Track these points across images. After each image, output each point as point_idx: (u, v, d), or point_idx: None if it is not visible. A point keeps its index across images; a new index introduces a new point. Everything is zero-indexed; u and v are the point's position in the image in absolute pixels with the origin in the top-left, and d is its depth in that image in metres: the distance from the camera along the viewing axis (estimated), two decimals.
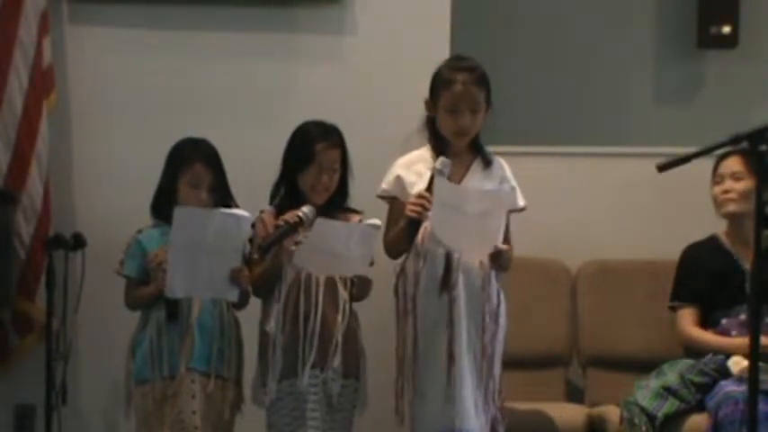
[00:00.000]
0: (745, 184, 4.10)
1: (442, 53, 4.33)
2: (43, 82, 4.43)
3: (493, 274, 3.79)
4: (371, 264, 3.83)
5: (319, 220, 3.66)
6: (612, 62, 5.11)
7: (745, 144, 3.06)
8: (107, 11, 4.57)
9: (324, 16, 4.58)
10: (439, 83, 3.87)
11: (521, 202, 3.90)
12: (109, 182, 4.53)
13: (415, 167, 3.87)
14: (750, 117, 4.55)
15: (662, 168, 3.16)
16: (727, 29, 5.01)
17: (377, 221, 3.72)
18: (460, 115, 3.83)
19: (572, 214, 4.65)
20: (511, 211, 3.86)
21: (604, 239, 4.64)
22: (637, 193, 4.64)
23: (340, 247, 3.65)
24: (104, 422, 4.56)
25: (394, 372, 3.79)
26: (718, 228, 4.27)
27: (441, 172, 3.70)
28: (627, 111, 5.12)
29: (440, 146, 3.87)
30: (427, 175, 3.76)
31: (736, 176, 4.16)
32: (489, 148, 3.95)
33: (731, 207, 4.17)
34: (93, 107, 4.56)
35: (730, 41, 5.03)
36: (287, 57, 4.59)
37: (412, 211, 3.68)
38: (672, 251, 4.31)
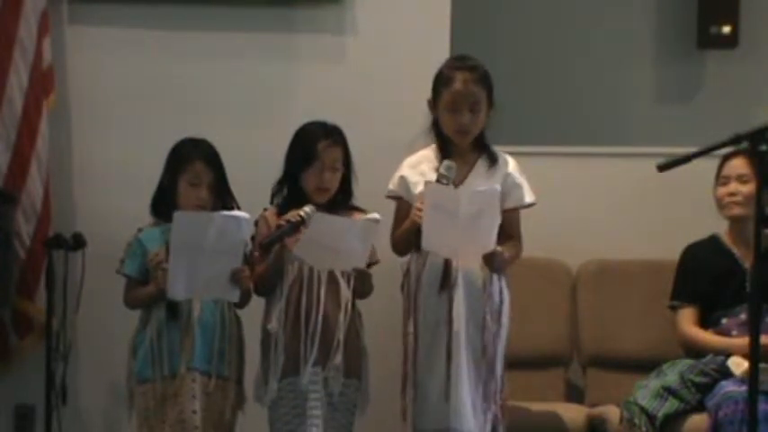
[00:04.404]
0: (751, 187, 4.06)
1: (442, 53, 4.34)
2: (43, 82, 4.43)
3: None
4: (376, 263, 3.84)
5: (318, 215, 3.67)
6: (612, 62, 5.11)
7: (745, 144, 3.06)
8: (107, 11, 4.57)
9: (324, 16, 4.58)
10: (439, 82, 3.89)
11: (527, 199, 3.92)
12: (109, 182, 4.53)
13: (419, 167, 3.89)
14: (750, 117, 4.54)
15: (662, 168, 3.16)
16: (727, 29, 5.01)
17: (376, 216, 3.72)
18: (460, 114, 3.83)
19: (572, 214, 4.64)
20: (519, 208, 3.88)
21: (604, 239, 4.63)
22: (637, 193, 4.64)
23: (339, 242, 3.65)
24: (104, 422, 4.56)
25: (396, 372, 3.80)
26: (719, 227, 4.26)
27: (444, 176, 3.71)
28: (627, 111, 5.12)
29: (445, 146, 3.88)
30: (430, 175, 3.78)
31: (742, 179, 4.15)
32: None
33: (737, 210, 4.16)
34: (93, 107, 4.56)
35: (730, 41, 5.03)
36: (287, 57, 4.59)
37: (419, 216, 3.68)
38: (672, 251, 4.31)
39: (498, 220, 3.71)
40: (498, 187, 3.77)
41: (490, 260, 3.75)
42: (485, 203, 3.67)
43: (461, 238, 3.66)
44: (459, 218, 3.63)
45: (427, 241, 3.67)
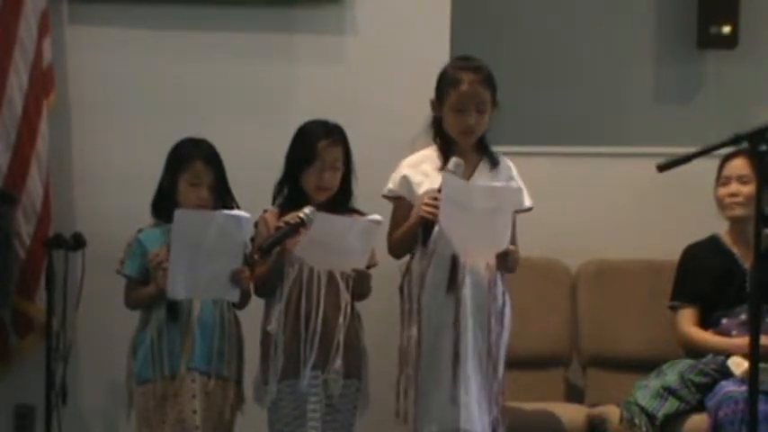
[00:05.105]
0: (752, 188, 4.05)
1: (442, 53, 4.34)
2: (43, 82, 4.43)
3: (499, 274, 3.79)
4: (375, 265, 3.83)
5: (319, 215, 3.67)
6: (613, 62, 5.12)
7: (745, 144, 3.05)
8: (107, 11, 4.57)
9: (324, 16, 4.59)
10: (445, 82, 3.87)
11: (527, 203, 3.91)
12: (109, 182, 4.53)
13: (421, 167, 3.87)
14: (750, 117, 4.55)
15: (662, 168, 3.16)
16: (727, 29, 5.01)
17: (377, 217, 3.72)
18: (466, 114, 3.83)
19: (572, 214, 4.64)
20: (517, 212, 3.87)
21: (604, 239, 4.64)
22: (637, 193, 4.64)
23: (339, 242, 3.65)
24: (104, 422, 4.56)
25: (395, 372, 3.79)
26: (719, 228, 4.26)
27: (453, 173, 3.70)
28: (627, 111, 5.13)
29: (446, 146, 3.88)
30: (433, 174, 3.78)
31: (743, 180, 4.14)
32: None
33: (738, 211, 4.15)
34: (93, 107, 4.56)
35: (730, 41, 5.03)
36: (287, 57, 4.59)
37: (427, 212, 3.67)
38: (672, 251, 4.31)
39: (512, 219, 3.70)
40: (516, 185, 3.78)
41: (504, 259, 3.74)
42: (503, 199, 3.67)
43: (476, 234, 3.65)
44: (475, 214, 3.62)
45: (445, 225, 3.63)
